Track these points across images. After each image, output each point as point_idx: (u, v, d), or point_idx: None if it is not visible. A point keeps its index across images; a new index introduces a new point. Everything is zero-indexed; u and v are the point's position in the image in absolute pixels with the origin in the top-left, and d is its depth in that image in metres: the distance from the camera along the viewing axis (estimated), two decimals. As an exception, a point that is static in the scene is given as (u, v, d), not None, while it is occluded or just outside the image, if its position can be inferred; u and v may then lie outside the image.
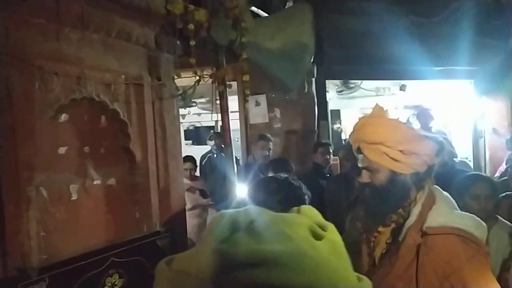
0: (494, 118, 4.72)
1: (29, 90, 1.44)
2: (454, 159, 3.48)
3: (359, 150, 1.34)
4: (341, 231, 1.39)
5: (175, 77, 1.99)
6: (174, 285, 0.57)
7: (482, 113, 4.82)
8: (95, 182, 1.77)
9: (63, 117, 1.62)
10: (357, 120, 1.40)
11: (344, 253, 0.60)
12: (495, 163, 4.44)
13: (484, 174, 2.64)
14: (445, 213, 1.24)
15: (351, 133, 1.40)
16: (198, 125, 7.78)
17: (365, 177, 1.32)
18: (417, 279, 1.18)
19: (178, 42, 2.08)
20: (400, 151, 1.24)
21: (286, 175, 1.48)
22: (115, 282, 1.73)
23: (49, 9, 1.45)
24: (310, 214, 0.64)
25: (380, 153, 1.26)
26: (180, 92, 2.17)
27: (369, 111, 1.46)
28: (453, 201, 1.30)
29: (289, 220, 0.58)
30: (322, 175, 3.55)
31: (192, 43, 1.84)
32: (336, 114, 5.95)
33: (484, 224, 1.22)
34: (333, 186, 3.29)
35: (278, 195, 1.38)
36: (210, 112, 6.17)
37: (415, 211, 1.27)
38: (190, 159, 4.12)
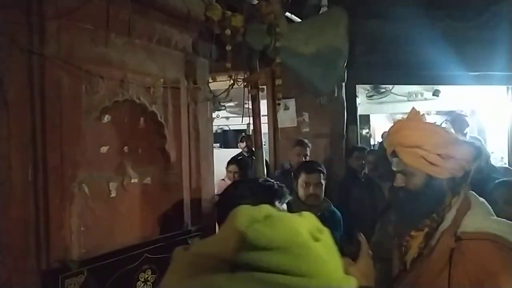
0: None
1: (77, 92, 1.53)
2: (492, 164, 3.38)
3: (394, 154, 1.33)
4: (367, 237, 1.39)
5: (211, 80, 2.05)
6: (191, 266, 0.63)
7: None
8: (132, 181, 1.85)
9: (106, 118, 1.71)
10: (393, 124, 1.40)
11: (337, 256, 0.67)
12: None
13: None
14: (481, 218, 1.22)
15: (386, 136, 1.40)
16: (226, 128, 7.88)
17: (399, 181, 1.32)
18: (450, 284, 1.16)
19: (214, 47, 2.14)
20: (438, 155, 1.23)
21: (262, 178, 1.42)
22: (148, 277, 1.79)
23: (98, 16, 1.54)
24: (309, 218, 0.70)
25: (417, 157, 1.25)
26: (214, 95, 2.23)
27: (399, 116, 1.46)
28: (489, 207, 1.27)
29: (297, 219, 0.66)
30: (357, 179, 3.52)
31: (228, 48, 1.89)
32: (366, 119, 5.87)
33: None
34: (356, 194, 3.28)
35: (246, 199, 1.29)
36: (238, 116, 6.24)
37: (450, 216, 1.25)
38: (235, 161, 4.16)
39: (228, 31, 1.85)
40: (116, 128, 1.78)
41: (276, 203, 1.25)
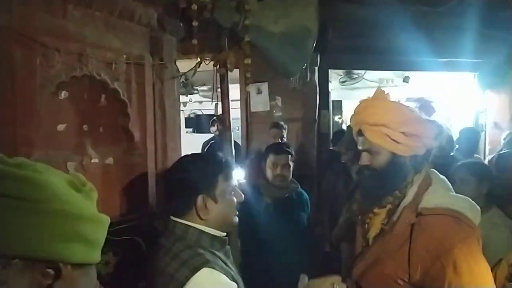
0: (496, 112, 4.69)
1: (30, 65, 1.44)
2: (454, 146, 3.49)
3: (360, 133, 1.33)
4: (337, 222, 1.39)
5: (177, 59, 1.98)
6: None
7: (484, 107, 4.79)
8: (92, 161, 1.78)
9: (63, 94, 1.62)
10: (359, 103, 1.39)
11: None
12: (496, 157, 4.43)
13: (473, 160, 2.62)
14: (441, 194, 1.24)
15: (352, 115, 1.39)
16: (199, 113, 7.76)
17: (365, 159, 1.32)
18: (409, 257, 1.19)
19: (181, 24, 2.07)
20: (402, 133, 1.24)
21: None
22: (109, 259, 1.74)
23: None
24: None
25: (382, 135, 1.25)
26: (182, 81, 2.16)
27: None
28: (449, 184, 1.30)
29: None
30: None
31: (195, 23, 1.82)
32: (338, 105, 5.92)
33: (478, 207, 1.22)
34: (331, 178, 3.29)
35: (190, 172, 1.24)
36: (211, 100, 6.15)
37: (411, 192, 1.27)
38: (207, 145, 4.06)
39: (194, 6, 1.78)
40: (75, 105, 1.69)
41: (220, 176, 1.23)
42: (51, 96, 1.55)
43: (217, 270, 1.12)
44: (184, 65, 2.24)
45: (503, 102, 4.63)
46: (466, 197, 1.24)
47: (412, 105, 5.45)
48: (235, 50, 2.16)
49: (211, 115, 6.67)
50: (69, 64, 1.58)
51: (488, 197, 2.03)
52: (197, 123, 7.51)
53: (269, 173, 2.36)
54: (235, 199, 1.27)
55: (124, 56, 1.81)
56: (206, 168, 1.22)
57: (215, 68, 2.11)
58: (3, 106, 1.38)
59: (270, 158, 2.35)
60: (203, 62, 1.99)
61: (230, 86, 2.24)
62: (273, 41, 2.00)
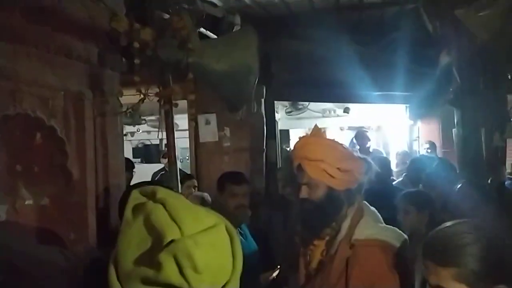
0: (427, 140, 5.10)
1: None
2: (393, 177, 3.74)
3: (300, 167, 1.40)
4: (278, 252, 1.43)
5: (118, 94, 1.96)
6: None
7: (416, 135, 5.20)
8: (26, 202, 1.68)
9: (-6, 133, 1.54)
10: (298, 139, 1.47)
11: None
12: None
13: (414, 190, 2.83)
14: (370, 226, 1.34)
15: (292, 151, 1.47)
16: (147, 143, 7.60)
17: (304, 192, 1.39)
18: None
19: (123, 59, 2.06)
20: (338, 168, 1.33)
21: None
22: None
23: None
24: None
25: (320, 170, 1.34)
26: (125, 109, 2.14)
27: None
28: (379, 215, 1.40)
29: None
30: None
31: (137, 61, 1.83)
32: (285, 133, 6.10)
33: (405, 235, 1.33)
34: (269, 208, 3.34)
35: None
36: (157, 135, 6.06)
37: (345, 224, 1.36)
38: (192, 177, 3.92)
39: (136, 44, 1.79)
40: (7, 144, 1.60)
41: None
42: (-21, 136, 1.46)
43: None
44: (130, 97, 2.19)
45: (433, 131, 5.05)
46: (394, 228, 1.35)
47: (353, 133, 5.78)
48: (180, 83, 2.19)
49: (159, 145, 6.56)
50: (1, 103, 1.50)
51: (430, 225, 2.16)
52: (145, 153, 7.34)
53: (229, 204, 2.23)
54: None
55: (62, 92, 1.76)
56: None
57: (160, 103, 2.11)
58: None
59: (230, 189, 2.27)
60: (147, 99, 1.99)
61: (179, 116, 2.24)
62: (216, 78, 2.05)
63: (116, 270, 0.76)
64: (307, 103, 5.33)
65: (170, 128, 2.18)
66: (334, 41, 3.86)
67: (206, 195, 3.42)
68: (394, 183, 3.59)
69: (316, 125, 1.52)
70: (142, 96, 1.97)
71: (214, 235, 0.76)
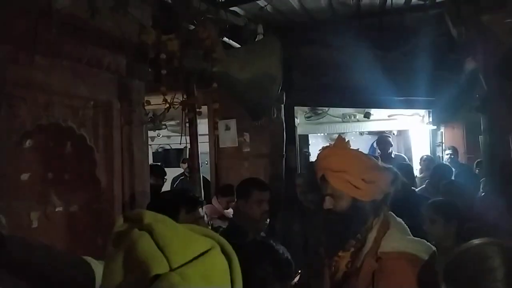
0: (450, 145, 5.00)
1: (-6, 116, 1.42)
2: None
3: (324, 178, 1.40)
4: (296, 258, 1.44)
5: (145, 104, 2.01)
6: None
7: (440, 141, 5.10)
8: (57, 209, 1.74)
9: (28, 142, 1.60)
10: (321, 150, 1.47)
11: None
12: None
13: (441, 199, 2.77)
14: (398, 238, 1.32)
15: (316, 161, 1.47)
16: (167, 147, 7.70)
17: (328, 203, 1.38)
18: None
19: (149, 69, 2.11)
20: (362, 179, 1.32)
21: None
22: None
23: (19, 36, 1.45)
24: None
25: (344, 181, 1.33)
26: (150, 116, 2.19)
27: (336, 136, 1.57)
28: (406, 227, 1.38)
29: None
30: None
31: (164, 72, 1.87)
32: (304, 139, 6.08)
33: (434, 247, 1.31)
34: (288, 214, 3.32)
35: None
36: (179, 134, 6.15)
37: (371, 236, 1.34)
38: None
39: (163, 55, 1.84)
40: (39, 153, 1.67)
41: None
42: (15, 146, 1.52)
43: None
44: (152, 100, 2.23)
45: (456, 136, 4.95)
46: (422, 240, 1.33)
47: (374, 138, 5.71)
48: (203, 91, 2.22)
49: (179, 150, 6.64)
50: (35, 113, 1.57)
51: (458, 236, 2.08)
52: (165, 158, 7.44)
53: (254, 211, 2.24)
54: None
55: (92, 102, 1.82)
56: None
57: (184, 112, 2.16)
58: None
59: (255, 195, 2.26)
60: (172, 107, 2.03)
61: (199, 121, 2.27)
62: (240, 87, 2.08)
63: None
64: (326, 108, 5.30)
65: (194, 136, 2.23)
66: (354, 46, 3.85)
67: None
68: (417, 189, 3.53)
69: (340, 136, 1.51)
70: (167, 105, 2.01)
71: (206, 263, 0.70)
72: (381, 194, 1.35)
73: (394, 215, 1.40)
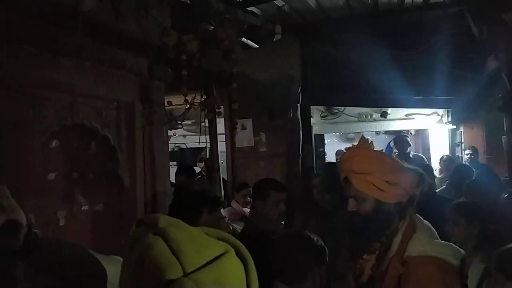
0: (469, 145, 4.91)
1: (21, 116, 1.45)
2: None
3: (347, 180, 1.39)
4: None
5: (167, 104, 2.03)
6: None
7: (459, 141, 5.01)
8: (82, 208, 1.77)
9: (54, 143, 1.63)
10: (344, 151, 1.46)
11: None
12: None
13: (464, 200, 2.71)
14: (425, 242, 1.30)
15: (338, 163, 1.46)
16: (183, 146, 7.75)
17: (351, 205, 1.37)
18: None
19: (169, 70, 2.14)
20: (386, 181, 1.31)
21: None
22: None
23: (44, 39, 1.49)
24: None
25: (367, 183, 1.32)
26: (169, 117, 2.21)
27: (351, 135, 1.56)
28: (433, 230, 1.36)
29: None
30: None
31: (184, 72, 1.89)
32: (320, 138, 6.06)
33: (463, 251, 1.28)
34: (304, 214, 3.30)
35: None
36: (195, 134, 6.19)
37: (397, 239, 1.32)
38: (248, 185, 3.71)
39: (184, 57, 1.85)
40: (65, 153, 1.70)
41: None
42: (41, 146, 1.56)
43: None
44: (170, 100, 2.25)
45: (476, 136, 4.85)
46: (450, 244, 1.30)
47: (391, 138, 5.65)
48: (222, 90, 2.24)
49: (195, 149, 6.68)
50: (60, 114, 1.60)
51: (480, 237, 2.06)
52: (181, 157, 7.49)
53: (272, 212, 2.26)
54: None
55: (114, 103, 1.85)
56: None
57: (203, 112, 2.17)
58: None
59: (273, 196, 2.28)
60: (192, 107, 2.05)
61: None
62: (259, 87, 2.08)
63: None
64: (342, 107, 5.27)
65: (213, 136, 2.24)
66: (371, 45, 3.81)
67: None
68: (437, 190, 3.47)
69: (363, 136, 1.50)
70: (188, 105, 2.03)
71: (220, 268, 0.70)
72: (406, 196, 1.34)
73: (421, 218, 1.38)
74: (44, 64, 1.53)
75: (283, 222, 2.44)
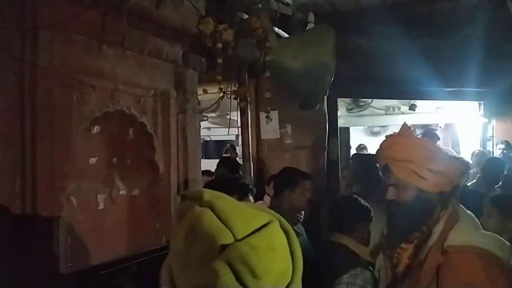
0: (502, 139, 4.74)
1: (68, 102, 1.50)
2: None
3: (387, 168, 1.37)
4: None
5: (202, 93, 2.06)
6: None
7: (491, 135, 4.85)
8: (121, 192, 1.83)
9: (96, 129, 1.69)
10: (385, 138, 1.44)
11: None
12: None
13: (500, 193, 2.63)
14: (467, 232, 1.26)
15: (378, 150, 1.44)
16: (207, 139, 7.84)
17: (391, 194, 1.35)
18: None
19: (203, 59, 2.16)
20: (429, 169, 1.28)
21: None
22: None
23: (91, 27, 1.53)
24: None
25: (409, 171, 1.29)
26: (201, 106, 2.24)
27: (377, 129, 1.54)
28: (477, 220, 1.32)
29: None
30: None
31: (220, 61, 1.91)
32: (345, 131, 5.99)
33: (509, 244, 1.25)
34: None
35: None
36: (220, 126, 6.23)
37: (437, 229, 1.29)
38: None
39: (219, 45, 1.87)
40: (105, 139, 1.75)
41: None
42: (85, 131, 1.61)
43: None
44: (202, 95, 2.29)
45: (509, 130, 4.69)
46: (495, 235, 1.27)
47: (419, 131, 5.53)
48: (253, 81, 2.24)
49: (219, 142, 6.74)
50: (103, 101, 1.65)
51: None
52: (205, 149, 7.57)
53: (300, 200, 2.33)
54: None
55: (152, 91, 1.88)
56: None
57: (235, 101, 2.19)
58: (42, 142, 1.43)
59: (302, 184, 2.33)
60: (225, 96, 2.07)
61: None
62: (292, 76, 2.08)
63: (170, 275, 0.77)
64: (369, 100, 5.18)
65: (245, 126, 2.26)
66: (403, 36, 3.72)
67: None
68: (468, 184, 3.39)
69: (405, 123, 1.46)
70: (221, 94, 2.04)
71: (269, 235, 0.72)
72: (450, 186, 1.30)
73: (464, 208, 1.34)
74: (91, 52, 1.58)
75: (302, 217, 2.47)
